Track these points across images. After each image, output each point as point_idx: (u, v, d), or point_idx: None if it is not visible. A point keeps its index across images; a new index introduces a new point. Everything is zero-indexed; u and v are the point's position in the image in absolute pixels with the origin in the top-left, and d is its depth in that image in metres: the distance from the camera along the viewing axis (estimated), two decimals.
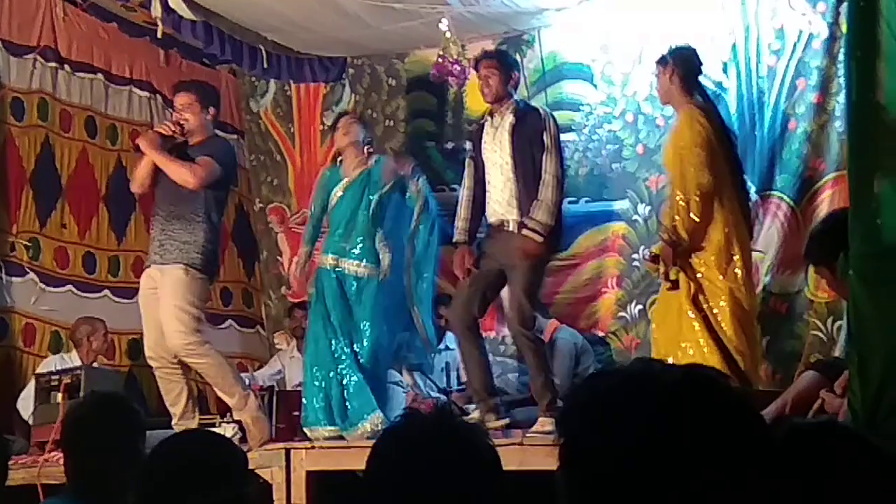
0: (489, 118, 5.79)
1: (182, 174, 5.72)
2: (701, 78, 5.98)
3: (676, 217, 5.10)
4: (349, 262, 5.95)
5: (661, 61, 5.52)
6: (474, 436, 1.79)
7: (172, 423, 5.72)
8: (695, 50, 5.63)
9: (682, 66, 5.44)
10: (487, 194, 5.71)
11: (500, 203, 5.62)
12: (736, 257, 5.17)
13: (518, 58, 7.51)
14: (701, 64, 5.57)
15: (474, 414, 5.44)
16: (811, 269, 5.55)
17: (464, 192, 5.90)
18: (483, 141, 5.75)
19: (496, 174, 5.65)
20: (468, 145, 6.06)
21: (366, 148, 6.16)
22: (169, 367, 5.77)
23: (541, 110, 5.83)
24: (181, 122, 5.86)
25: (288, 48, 7.66)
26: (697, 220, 5.06)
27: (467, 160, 5.93)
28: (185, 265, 5.66)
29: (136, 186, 6.04)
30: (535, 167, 5.54)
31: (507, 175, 5.59)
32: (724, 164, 5.24)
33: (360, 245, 5.95)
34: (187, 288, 5.66)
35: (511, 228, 5.57)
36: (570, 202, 7.34)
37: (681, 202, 5.10)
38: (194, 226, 5.73)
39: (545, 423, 5.25)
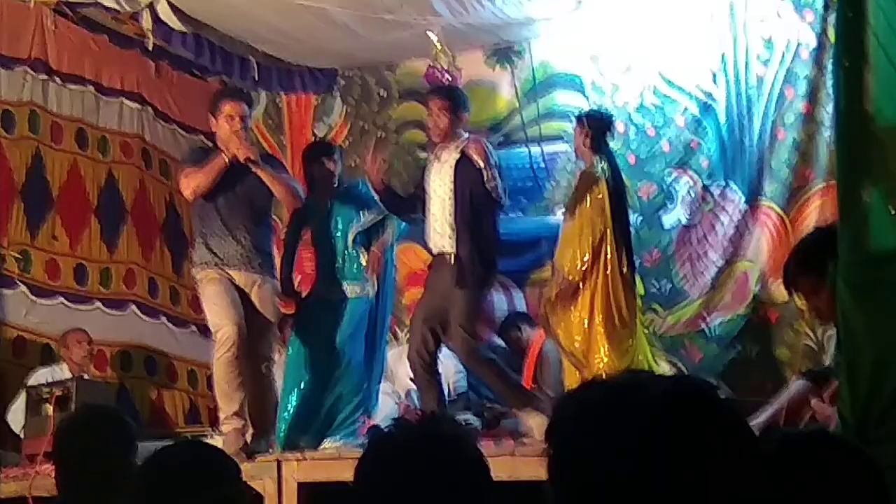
0: (436, 153, 5.76)
1: (286, 192, 5.76)
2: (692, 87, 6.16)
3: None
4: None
5: (578, 121, 5.97)
6: (463, 443, 1.79)
7: (223, 416, 5.63)
8: (607, 113, 6.09)
9: (594, 128, 5.86)
10: (428, 225, 5.70)
11: (441, 235, 5.63)
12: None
13: (509, 68, 7.56)
14: (610, 124, 5.96)
15: None
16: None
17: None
18: (428, 173, 5.74)
19: (438, 206, 5.65)
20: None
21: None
22: (237, 354, 5.60)
23: (482, 143, 5.66)
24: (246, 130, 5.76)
25: (278, 59, 7.67)
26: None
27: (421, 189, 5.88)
28: (273, 279, 5.82)
29: (200, 193, 5.72)
30: (472, 202, 5.54)
31: (444, 207, 5.60)
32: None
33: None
34: (277, 304, 5.83)
35: (449, 258, 5.57)
36: (562, 212, 7.36)
37: None
38: (268, 240, 5.89)
39: (528, 416, 5.44)
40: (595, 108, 6.39)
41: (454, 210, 5.56)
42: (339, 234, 6.08)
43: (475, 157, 5.48)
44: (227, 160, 5.61)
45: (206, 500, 2.36)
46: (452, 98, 5.80)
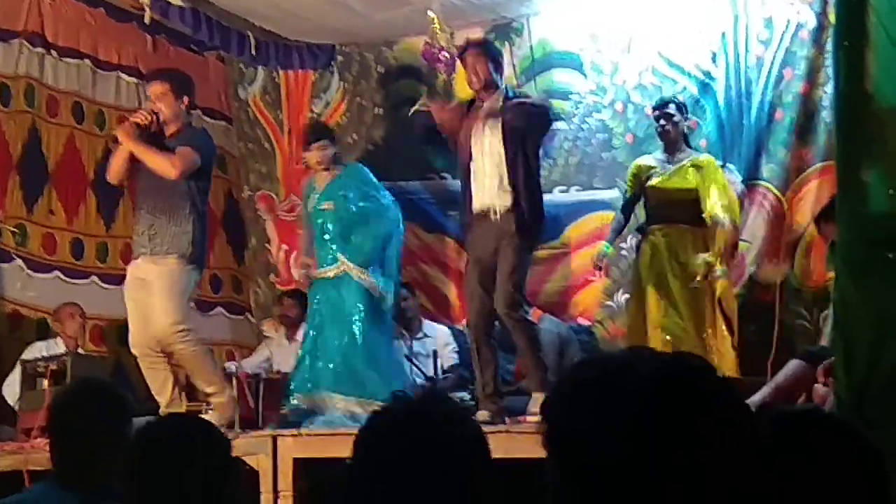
0: (478, 103, 5.78)
1: (163, 165, 5.69)
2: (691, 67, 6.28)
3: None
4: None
5: (681, 108, 6.33)
6: (463, 419, 1.79)
7: (160, 411, 5.70)
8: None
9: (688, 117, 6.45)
10: (474, 182, 5.71)
11: (490, 190, 5.62)
12: None
13: (507, 45, 7.52)
14: None
15: (481, 413, 5.45)
16: (798, 256, 5.91)
17: (462, 180, 5.93)
18: (473, 126, 5.73)
19: (486, 162, 5.65)
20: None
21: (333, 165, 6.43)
22: (153, 356, 5.77)
23: (533, 98, 5.91)
24: (155, 111, 5.81)
25: (276, 35, 7.63)
26: None
27: (462, 145, 5.90)
28: (177, 256, 5.68)
29: (113, 177, 5.99)
30: (523, 156, 5.58)
31: (497, 163, 5.60)
32: None
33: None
34: (179, 279, 5.69)
35: (496, 217, 5.59)
36: (560, 191, 7.36)
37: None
38: (182, 217, 5.74)
39: (539, 400, 5.35)
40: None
41: (506, 162, 5.57)
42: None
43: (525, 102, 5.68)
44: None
45: (193, 473, 2.38)
46: (485, 45, 5.98)
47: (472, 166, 5.71)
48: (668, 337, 6.00)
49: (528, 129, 5.65)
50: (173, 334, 5.65)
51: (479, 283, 5.66)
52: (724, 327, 6.08)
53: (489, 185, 5.63)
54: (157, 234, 5.73)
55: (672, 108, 6.31)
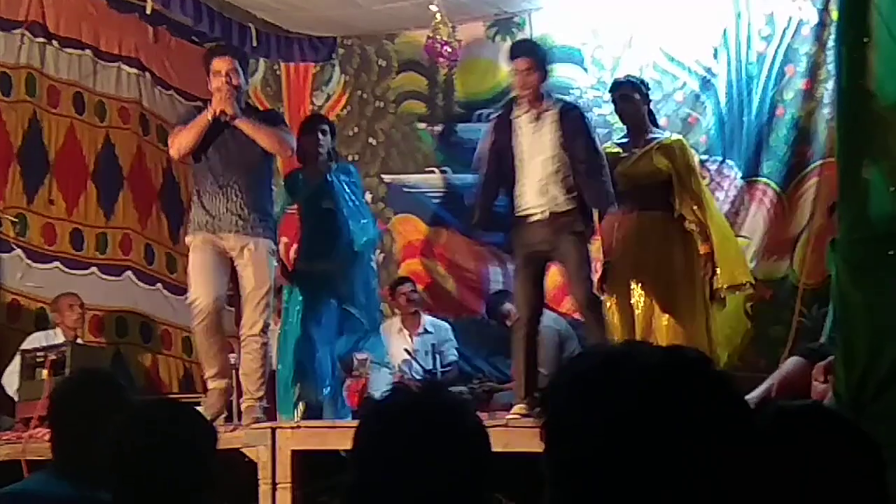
0: (524, 109, 5.64)
1: (277, 142, 5.62)
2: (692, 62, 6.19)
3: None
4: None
5: (638, 88, 5.99)
6: (461, 410, 1.79)
7: (206, 376, 5.72)
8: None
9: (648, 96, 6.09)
10: (521, 186, 5.60)
11: (542, 195, 5.55)
12: None
13: (508, 40, 7.53)
14: None
15: (519, 407, 5.47)
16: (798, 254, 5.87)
17: (482, 178, 5.82)
18: (516, 132, 5.63)
19: (537, 167, 5.57)
20: (487, 129, 5.95)
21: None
22: (214, 322, 5.67)
23: (582, 109, 5.84)
24: (236, 85, 5.61)
25: (277, 27, 7.63)
26: None
27: (488, 147, 5.81)
28: (270, 240, 5.70)
29: (182, 150, 5.68)
30: (574, 161, 5.54)
31: (551, 168, 5.53)
32: None
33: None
34: (272, 268, 5.74)
35: (547, 216, 5.54)
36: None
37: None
38: (268, 199, 5.77)
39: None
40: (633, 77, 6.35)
41: (557, 169, 5.52)
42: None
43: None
44: (209, 117, 5.57)
45: (185, 459, 2.40)
46: (536, 53, 5.75)
47: (517, 169, 5.62)
48: (647, 328, 5.90)
49: (583, 135, 5.60)
50: (260, 328, 5.67)
51: (528, 281, 5.63)
52: (702, 318, 5.92)
53: (542, 191, 5.56)
54: (251, 215, 5.61)
55: (628, 89, 6.01)
